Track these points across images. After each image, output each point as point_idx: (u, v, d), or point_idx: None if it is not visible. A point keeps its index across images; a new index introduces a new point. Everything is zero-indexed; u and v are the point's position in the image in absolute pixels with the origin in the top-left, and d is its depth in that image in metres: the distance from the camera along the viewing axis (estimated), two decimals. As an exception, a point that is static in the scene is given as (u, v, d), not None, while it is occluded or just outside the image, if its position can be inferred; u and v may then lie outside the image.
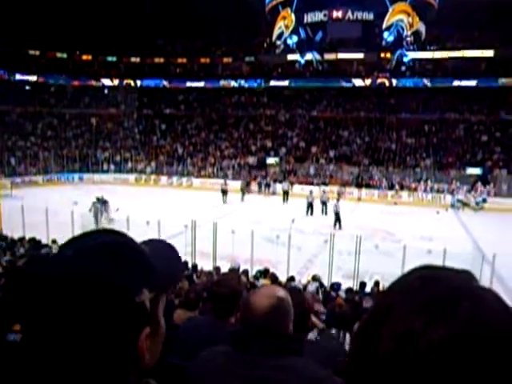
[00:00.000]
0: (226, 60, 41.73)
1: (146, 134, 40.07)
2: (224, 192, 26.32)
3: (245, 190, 28.16)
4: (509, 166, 30.07)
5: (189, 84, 42.21)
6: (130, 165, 36.25)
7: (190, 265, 11.28)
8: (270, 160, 34.91)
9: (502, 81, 34.39)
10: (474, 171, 30.45)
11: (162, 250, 0.84)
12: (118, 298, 0.65)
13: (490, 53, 34.37)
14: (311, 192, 23.56)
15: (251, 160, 35.01)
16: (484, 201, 26.37)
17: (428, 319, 0.52)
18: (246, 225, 16.52)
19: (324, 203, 22.81)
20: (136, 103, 43.10)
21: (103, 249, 0.69)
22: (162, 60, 42.77)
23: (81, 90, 41.88)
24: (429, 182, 29.64)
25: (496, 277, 11.52)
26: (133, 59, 42.90)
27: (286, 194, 26.49)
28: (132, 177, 35.06)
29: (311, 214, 22.45)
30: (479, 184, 28.44)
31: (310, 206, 22.53)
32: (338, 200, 20.78)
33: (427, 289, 0.56)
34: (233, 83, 41.24)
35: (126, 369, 0.66)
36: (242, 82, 41.04)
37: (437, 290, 0.55)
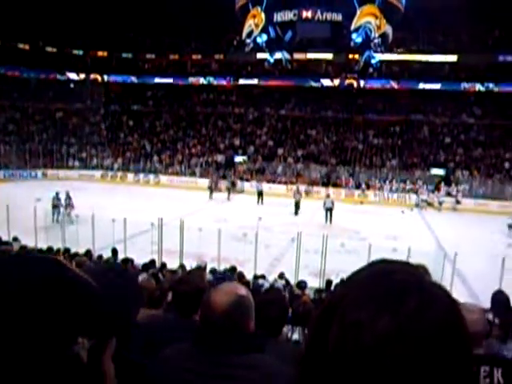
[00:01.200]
0: (195, 57, 41.35)
1: (112, 130, 39.39)
2: (211, 189, 27.73)
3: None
4: (470, 168, 30.99)
5: (157, 80, 41.68)
6: (95, 161, 35.60)
7: (157, 263, 11.16)
8: (238, 158, 34.88)
9: (465, 85, 35.37)
10: (438, 172, 31.21)
11: (114, 279, 0.71)
12: (43, 350, 0.54)
13: (453, 58, 35.24)
14: (298, 190, 23.90)
15: (219, 158, 34.90)
16: (458, 202, 26.90)
17: (375, 311, 0.53)
18: (213, 223, 16.46)
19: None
20: (103, 98, 42.29)
21: (29, 291, 0.56)
22: (130, 55, 42.10)
23: (45, 84, 40.63)
24: (394, 181, 30.22)
25: (457, 274, 11.83)
26: (100, 53, 42.01)
27: (260, 194, 26.35)
28: (98, 173, 34.41)
29: (296, 212, 22.64)
30: (443, 184, 29.20)
31: (297, 204, 22.82)
32: (328, 196, 21.88)
33: (378, 282, 0.57)
34: (202, 80, 40.96)
35: None
36: (211, 80, 40.81)
37: (387, 284, 0.56)
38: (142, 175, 33.87)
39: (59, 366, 0.56)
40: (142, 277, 6.18)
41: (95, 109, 41.36)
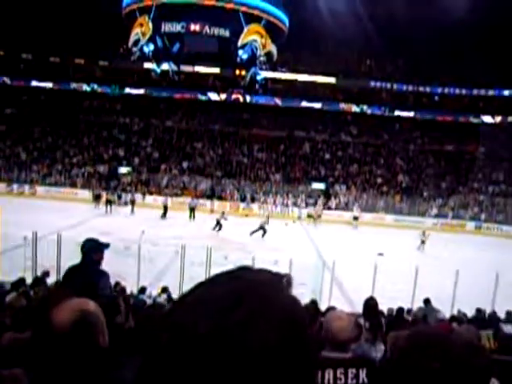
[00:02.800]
0: (77, 61, 39.25)
1: (-20, 135, 35.91)
2: (111, 202, 26.98)
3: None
4: (347, 182, 33.28)
5: (35, 83, 38.81)
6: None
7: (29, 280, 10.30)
8: (123, 169, 33.80)
9: (342, 106, 38.05)
10: (319, 186, 32.99)
11: None
12: None
13: (332, 80, 37.68)
14: (223, 213, 23.20)
15: (102, 169, 33.52)
16: (356, 218, 28.29)
17: (200, 316, 0.52)
18: (94, 236, 15.66)
19: (192, 209, 25.09)
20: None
21: None
22: (1, 53, 38.55)
23: None
24: (278, 195, 31.33)
25: (335, 282, 12.53)
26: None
27: (165, 208, 25.74)
28: (-38, 182, 31.17)
29: (219, 229, 21.89)
30: (322, 198, 30.94)
31: (218, 222, 22.09)
32: (267, 217, 22.87)
33: (217, 287, 0.56)
34: (85, 87, 39.06)
35: None
36: (95, 87, 39.09)
37: (224, 290, 0.55)
38: (15, 185, 31.31)
39: None
40: (10, 296, 5.69)
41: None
